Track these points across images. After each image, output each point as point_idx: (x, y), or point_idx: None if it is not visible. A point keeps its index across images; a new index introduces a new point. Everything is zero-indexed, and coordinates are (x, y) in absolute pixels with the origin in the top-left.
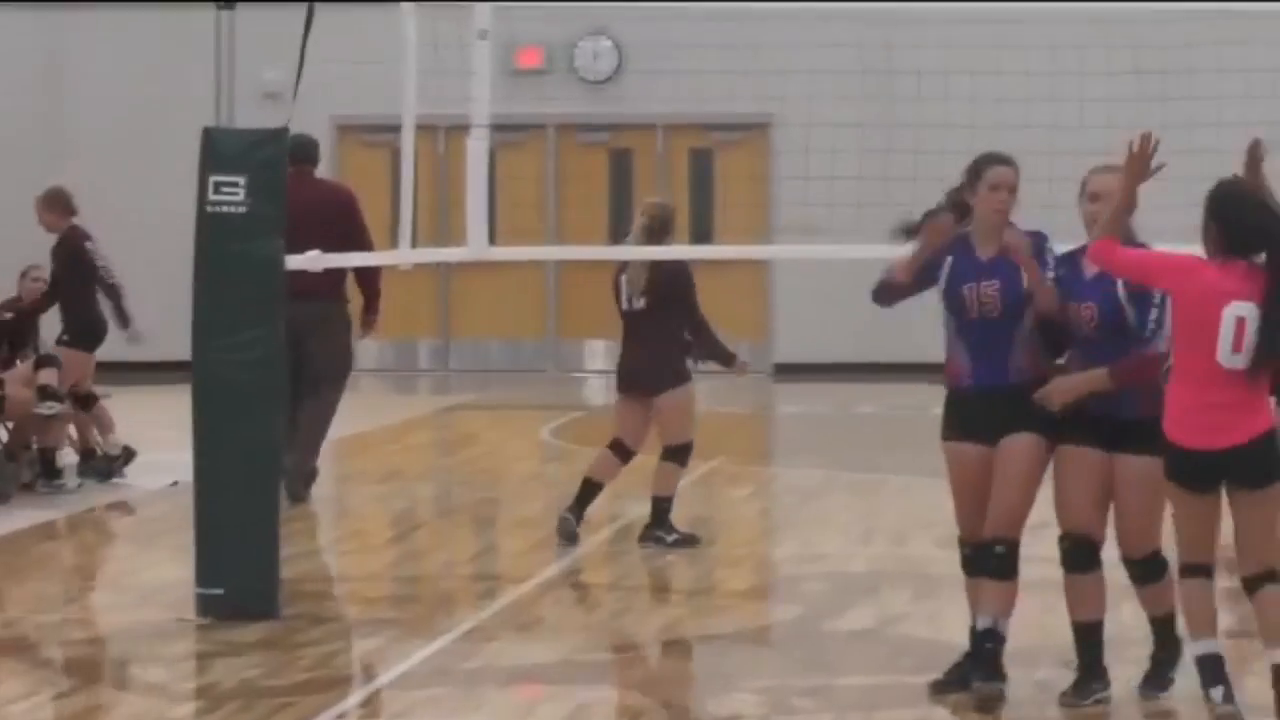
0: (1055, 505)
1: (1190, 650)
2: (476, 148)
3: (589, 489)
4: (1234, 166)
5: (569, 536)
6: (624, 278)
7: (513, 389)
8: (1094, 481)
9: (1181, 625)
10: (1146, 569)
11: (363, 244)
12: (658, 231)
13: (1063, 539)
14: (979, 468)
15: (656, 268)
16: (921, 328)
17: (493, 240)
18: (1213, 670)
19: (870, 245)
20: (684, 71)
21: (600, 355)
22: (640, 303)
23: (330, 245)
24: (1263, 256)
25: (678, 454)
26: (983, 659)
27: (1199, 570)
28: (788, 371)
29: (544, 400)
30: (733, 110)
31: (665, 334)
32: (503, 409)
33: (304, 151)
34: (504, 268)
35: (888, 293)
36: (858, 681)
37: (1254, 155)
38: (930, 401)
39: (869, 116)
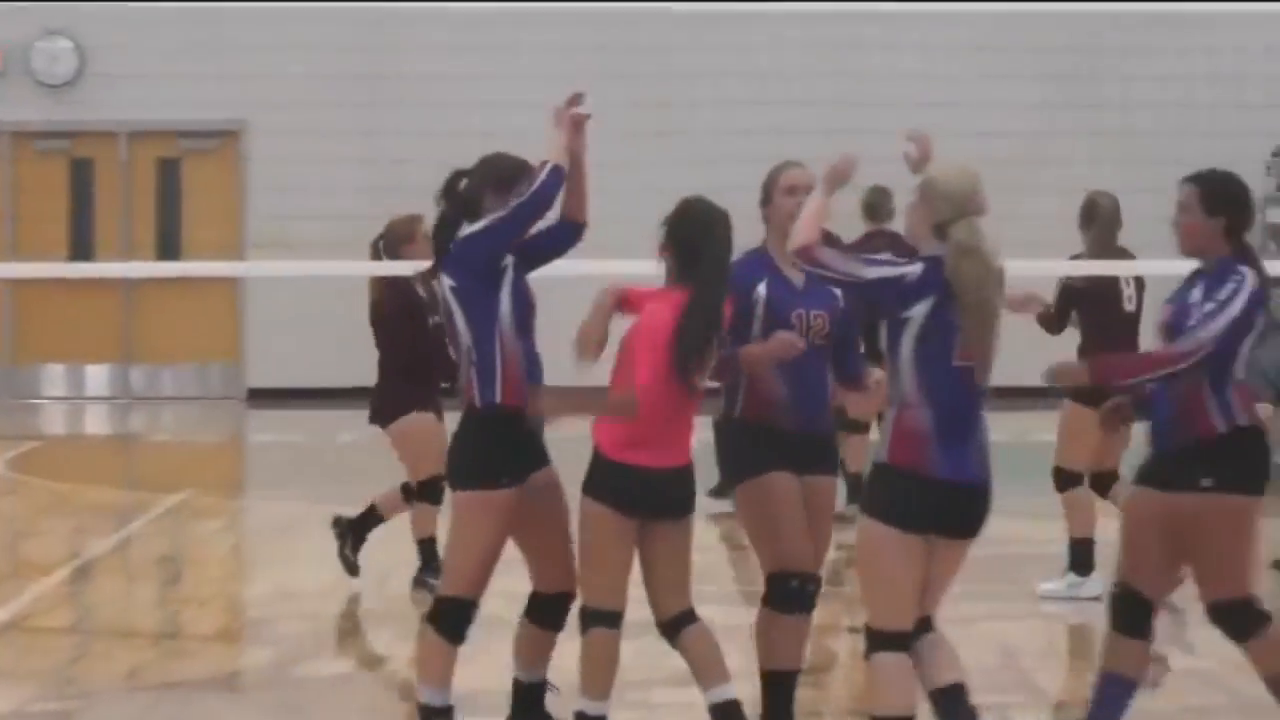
0: (778, 542)
1: (582, 706)
2: None
3: (424, 545)
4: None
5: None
6: None
7: None
8: (801, 510)
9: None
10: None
11: None
12: (389, 247)
13: (789, 577)
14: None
15: (377, 289)
16: None
17: None
18: None
19: (351, 261)
20: (150, 75)
21: (60, 381)
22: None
23: None
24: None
25: (423, 491)
26: (539, 708)
27: (613, 619)
28: (262, 397)
29: None
30: (202, 116)
31: (391, 359)
32: None
33: None
34: None
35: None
36: None
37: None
38: None
39: (352, 123)
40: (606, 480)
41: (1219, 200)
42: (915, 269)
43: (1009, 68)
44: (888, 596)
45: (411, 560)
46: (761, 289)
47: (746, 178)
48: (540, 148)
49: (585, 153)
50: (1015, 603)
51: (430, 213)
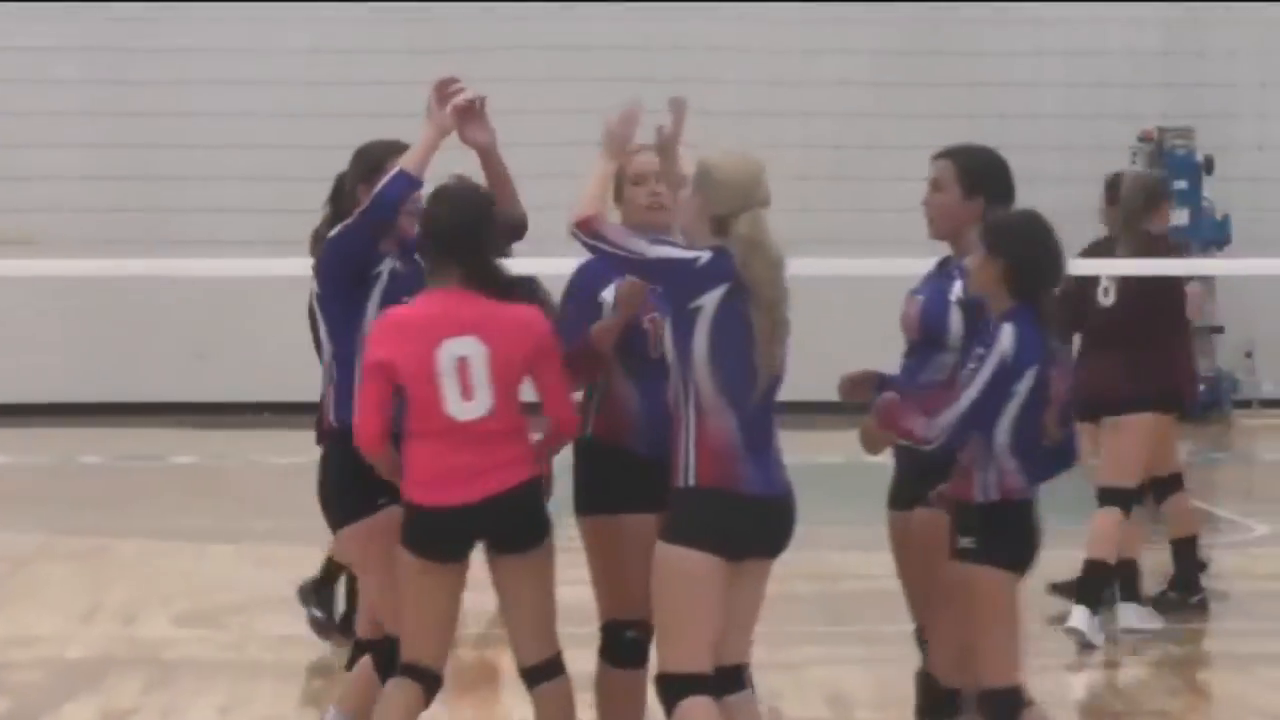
0: (619, 589)
1: None
2: None
3: None
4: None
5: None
6: None
7: None
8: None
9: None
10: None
11: None
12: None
13: (625, 627)
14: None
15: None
16: (159, 363)
17: None
18: None
19: (99, 260)
20: None
21: None
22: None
23: None
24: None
25: None
26: None
27: (424, 675)
28: None
29: None
30: None
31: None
32: None
33: None
34: None
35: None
36: None
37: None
38: (169, 450)
39: (95, 104)
40: (405, 522)
41: (978, 179)
42: (705, 254)
43: (837, 41)
44: (694, 634)
45: (164, 598)
46: (608, 293)
47: (547, 163)
48: (324, 127)
49: (493, 140)
50: (847, 646)
51: (183, 201)
